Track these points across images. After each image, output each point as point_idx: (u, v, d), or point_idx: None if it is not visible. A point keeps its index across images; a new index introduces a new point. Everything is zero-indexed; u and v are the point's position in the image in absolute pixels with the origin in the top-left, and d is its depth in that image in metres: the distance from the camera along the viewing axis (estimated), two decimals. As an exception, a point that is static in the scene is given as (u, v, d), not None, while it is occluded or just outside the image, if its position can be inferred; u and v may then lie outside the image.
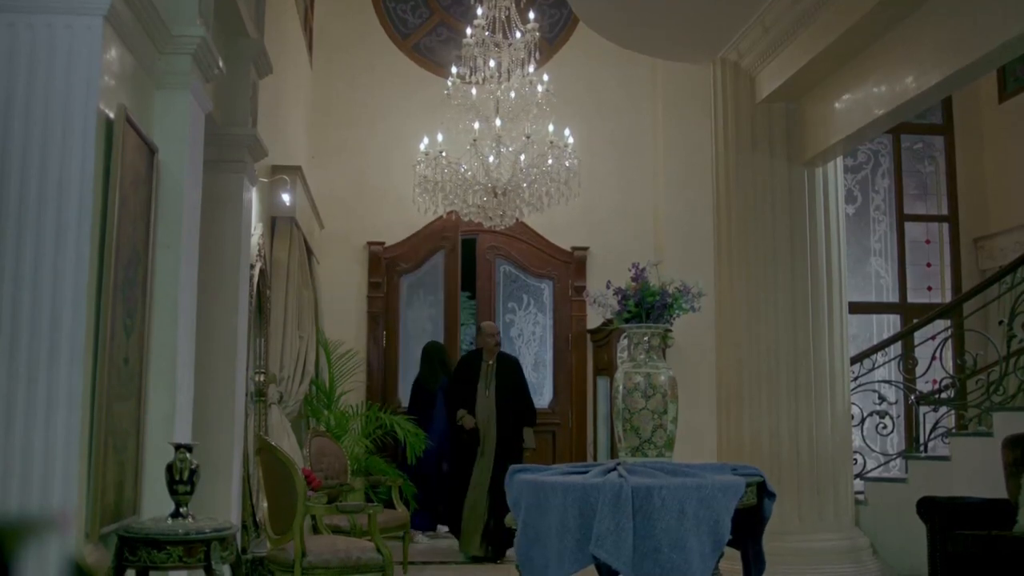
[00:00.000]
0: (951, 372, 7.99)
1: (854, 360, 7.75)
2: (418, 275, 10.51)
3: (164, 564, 3.68)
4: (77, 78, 3.59)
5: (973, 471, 6.89)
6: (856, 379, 7.76)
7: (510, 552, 7.64)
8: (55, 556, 2.56)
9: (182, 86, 4.42)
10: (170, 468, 3.82)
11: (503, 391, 8.32)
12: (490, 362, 8.46)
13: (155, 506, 4.08)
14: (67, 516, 3.20)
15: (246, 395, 6.17)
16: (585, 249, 10.48)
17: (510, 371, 8.48)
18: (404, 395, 10.11)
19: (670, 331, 4.41)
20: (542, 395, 10.40)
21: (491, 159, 7.78)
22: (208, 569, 3.69)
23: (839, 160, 7.33)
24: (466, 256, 10.56)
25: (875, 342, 8.97)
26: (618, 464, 4.09)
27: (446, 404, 8.68)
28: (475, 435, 8.25)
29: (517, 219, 8.30)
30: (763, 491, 4.14)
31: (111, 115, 3.76)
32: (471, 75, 7.82)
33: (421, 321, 10.49)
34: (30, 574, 2.40)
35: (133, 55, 4.06)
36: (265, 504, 5.53)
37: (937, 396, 7.95)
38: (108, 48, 3.73)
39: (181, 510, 3.80)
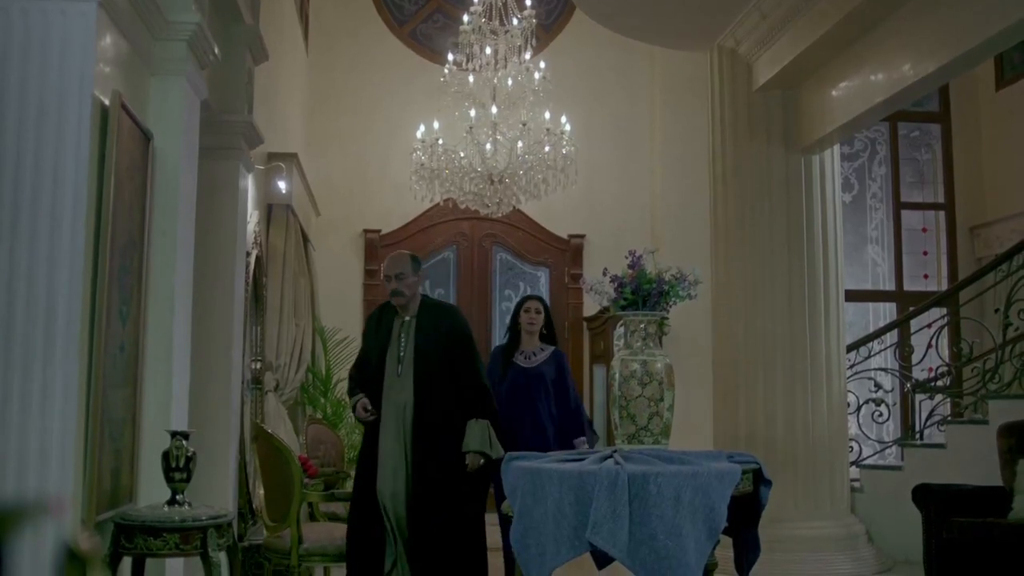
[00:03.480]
0: (947, 360, 8.00)
1: (850, 348, 7.76)
2: (424, 267, 10.49)
3: (160, 551, 3.68)
4: (71, 64, 3.57)
5: (968, 459, 6.91)
6: (852, 367, 7.78)
7: None
8: (49, 542, 2.56)
9: (177, 72, 4.40)
10: (166, 455, 3.82)
11: (427, 366, 5.01)
12: (405, 318, 5.15)
13: (151, 493, 4.07)
14: (62, 501, 3.20)
15: (242, 383, 6.16)
16: (582, 237, 10.47)
17: (441, 330, 5.11)
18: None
19: (667, 319, 4.41)
20: (539, 383, 10.39)
21: (488, 146, 7.77)
22: (204, 556, 3.69)
23: (836, 148, 7.33)
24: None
25: (871, 330, 8.98)
26: (614, 451, 4.09)
27: (350, 398, 5.34)
28: (375, 434, 5.04)
29: (514, 207, 8.30)
30: (759, 478, 4.15)
31: (106, 101, 3.74)
32: (468, 62, 7.81)
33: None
34: (25, 560, 2.40)
35: (128, 41, 4.04)
36: (261, 491, 5.53)
37: (933, 384, 7.97)
38: (103, 34, 3.71)
39: (177, 497, 3.79)
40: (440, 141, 7.78)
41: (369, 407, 5.01)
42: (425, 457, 4.91)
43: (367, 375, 5.16)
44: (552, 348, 6.05)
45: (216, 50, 4.78)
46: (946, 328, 8.09)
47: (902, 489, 6.52)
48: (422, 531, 4.87)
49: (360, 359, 5.37)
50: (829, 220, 7.15)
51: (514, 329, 6.11)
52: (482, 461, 4.98)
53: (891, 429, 8.76)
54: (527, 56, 7.80)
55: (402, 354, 5.09)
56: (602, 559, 4.12)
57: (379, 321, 5.29)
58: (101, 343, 3.65)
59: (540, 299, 6.17)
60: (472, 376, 5.11)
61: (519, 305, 6.15)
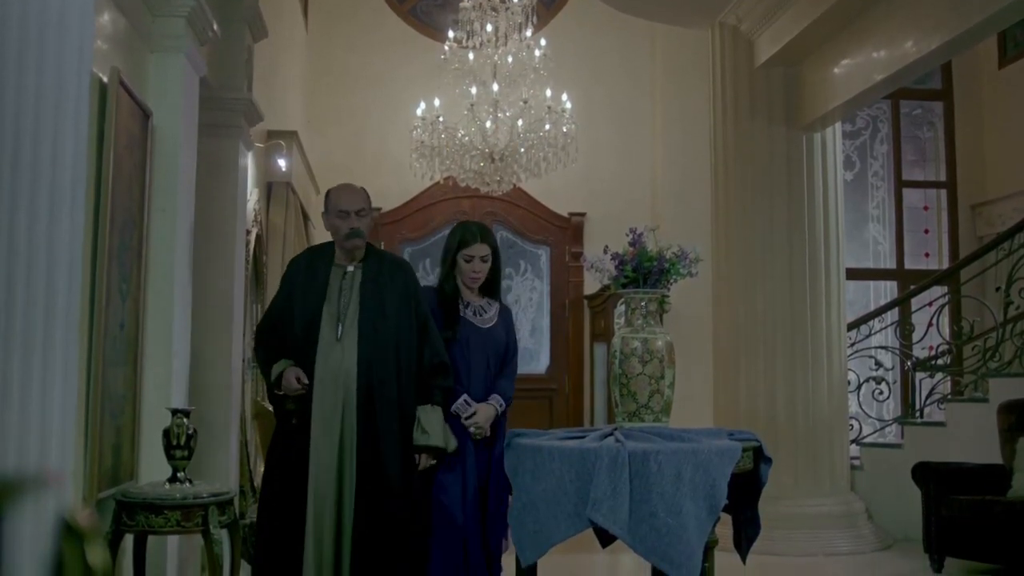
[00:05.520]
0: (948, 338, 8.00)
1: (851, 326, 7.76)
2: (424, 246, 10.49)
3: (162, 529, 3.68)
4: (69, 40, 3.52)
5: (968, 437, 6.92)
6: (853, 345, 7.78)
7: None
8: (47, 517, 2.56)
9: (176, 49, 4.38)
10: (167, 433, 3.82)
11: (376, 329, 4.02)
12: (348, 268, 4.13)
13: (153, 471, 4.08)
14: (61, 474, 3.20)
15: (243, 360, 6.16)
16: (582, 215, 10.45)
17: (395, 286, 4.13)
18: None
19: (667, 296, 4.41)
20: (539, 361, 10.40)
21: (488, 124, 7.75)
22: (206, 533, 3.70)
23: (838, 125, 7.30)
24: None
25: (872, 308, 8.98)
26: (615, 429, 4.09)
27: (262, 366, 4.19)
28: (306, 417, 3.94)
29: (514, 185, 8.28)
30: (759, 456, 4.15)
31: (104, 78, 3.73)
32: (468, 39, 7.78)
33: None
34: (26, 534, 2.40)
35: (126, 18, 4.01)
36: (262, 468, 5.54)
37: (933, 362, 7.97)
38: (100, 10, 3.68)
39: (178, 475, 3.80)
40: (440, 119, 7.76)
41: (304, 379, 3.91)
42: (373, 450, 3.89)
43: (289, 338, 4.03)
44: (498, 304, 4.50)
45: (215, 27, 4.76)
46: (947, 306, 8.09)
47: (902, 467, 6.54)
48: (368, 549, 3.85)
49: (274, 317, 4.17)
50: (830, 198, 7.13)
51: (449, 272, 4.40)
52: (433, 462, 4.05)
53: (891, 407, 8.77)
54: (528, 34, 7.77)
55: (343, 313, 4.01)
56: (605, 537, 4.14)
57: (310, 269, 4.14)
58: (101, 321, 3.64)
59: (488, 238, 4.40)
60: (432, 349, 4.10)
61: (458, 244, 4.36)
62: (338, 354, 3.96)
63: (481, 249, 4.32)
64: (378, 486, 3.87)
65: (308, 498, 3.84)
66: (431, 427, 4.00)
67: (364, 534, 3.83)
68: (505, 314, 4.49)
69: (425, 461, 4.04)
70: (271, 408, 4.24)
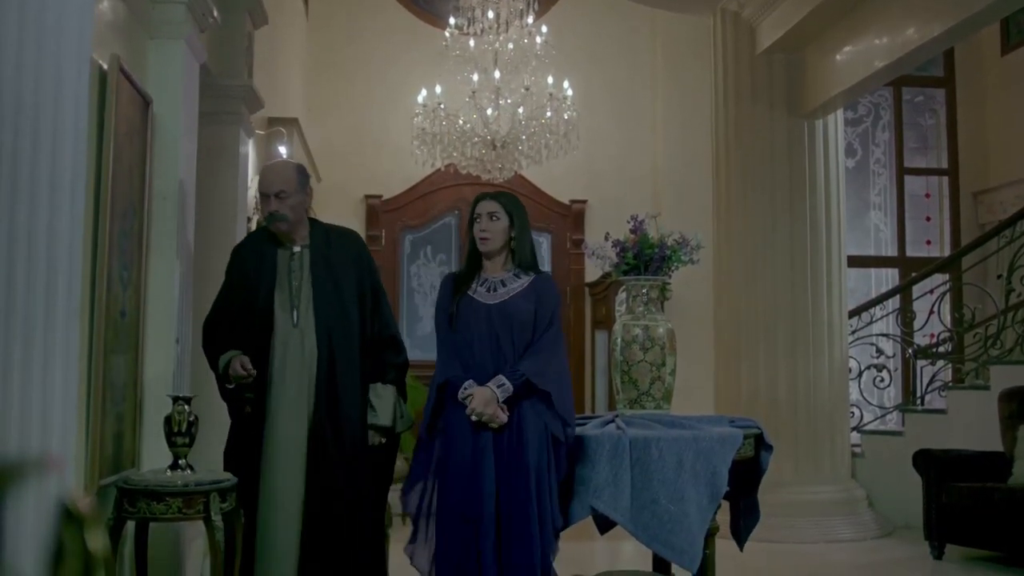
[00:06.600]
0: (949, 326, 8.00)
1: (852, 313, 7.76)
2: (425, 233, 10.47)
3: (163, 516, 3.68)
4: (69, 27, 3.51)
5: (969, 424, 6.93)
6: (854, 332, 7.78)
7: None
8: (48, 503, 2.57)
9: (176, 36, 4.37)
10: (168, 420, 3.81)
11: (334, 309, 3.91)
12: (295, 249, 3.98)
13: (154, 458, 4.08)
14: (62, 460, 3.21)
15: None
16: (583, 202, 10.44)
17: (347, 261, 4.02)
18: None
19: (668, 284, 4.41)
20: (540, 348, 10.36)
21: (489, 111, 7.74)
22: (207, 520, 3.70)
23: (839, 112, 7.29)
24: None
25: (873, 296, 8.98)
26: (616, 416, 4.10)
27: (210, 361, 4.02)
28: (260, 406, 3.89)
29: (515, 172, 8.27)
30: (761, 443, 4.16)
31: (104, 65, 3.71)
32: (469, 26, 7.76)
33: (431, 278, 10.45)
34: (26, 520, 2.41)
35: (126, 4, 4.00)
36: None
37: (935, 350, 7.97)
38: (100, -3, 3.67)
39: (180, 462, 3.80)
40: (442, 106, 7.75)
41: (248, 366, 3.77)
42: (335, 436, 3.81)
43: (241, 329, 3.89)
44: (532, 275, 3.99)
45: (215, 13, 4.74)
46: (948, 294, 8.09)
47: (903, 454, 6.55)
48: (323, 536, 3.77)
49: (221, 310, 4.02)
50: (832, 185, 7.12)
51: (472, 249, 4.00)
52: (383, 440, 3.94)
53: (892, 395, 8.77)
54: (529, 20, 7.75)
55: (296, 297, 3.88)
56: (604, 524, 4.14)
57: (256, 256, 3.97)
58: (102, 309, 3.64)
59: (500, 197, 4.01)
60: (380, 322, 3.99)
61: (471, 209, 4.00)
62: (297, 340, 3.88)
63: (487, 206, 3.91)
64: (342, 471, 3.81)
65: (261, 487, 3.82)
66: (379, 406, 3.90)
67: (318, 516, 3.79)
68: (539, 284, 3.94)
69: (375, 439, 3.92)
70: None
